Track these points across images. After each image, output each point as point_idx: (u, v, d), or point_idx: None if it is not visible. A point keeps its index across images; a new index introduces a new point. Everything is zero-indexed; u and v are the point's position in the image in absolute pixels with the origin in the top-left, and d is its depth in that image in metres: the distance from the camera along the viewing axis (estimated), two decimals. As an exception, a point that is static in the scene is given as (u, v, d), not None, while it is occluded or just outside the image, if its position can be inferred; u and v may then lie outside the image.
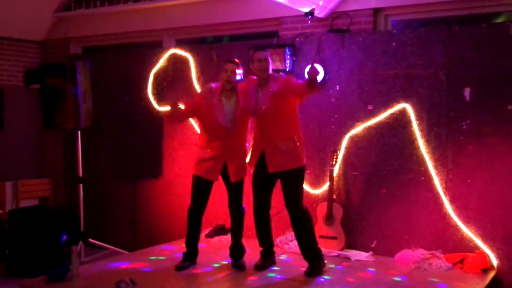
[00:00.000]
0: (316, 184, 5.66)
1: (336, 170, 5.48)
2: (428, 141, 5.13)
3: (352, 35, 5.50)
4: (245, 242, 5.00)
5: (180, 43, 6.90)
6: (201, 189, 4.88)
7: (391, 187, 5.30)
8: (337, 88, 5.51)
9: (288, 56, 5.64)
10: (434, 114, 5.10)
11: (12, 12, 6.88)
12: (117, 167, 6.97)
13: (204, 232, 5.68)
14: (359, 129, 5.43)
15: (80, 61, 6.15)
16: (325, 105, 5.58)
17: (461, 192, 5.00)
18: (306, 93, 4.48)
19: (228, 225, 5.94)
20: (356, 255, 5.24)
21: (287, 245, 5.49)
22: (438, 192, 5.08)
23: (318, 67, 4.81)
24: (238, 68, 4.81)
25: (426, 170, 5.13)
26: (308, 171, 5.47)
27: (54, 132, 7.30)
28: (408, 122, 5.19)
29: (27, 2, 6.93)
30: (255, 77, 4.79)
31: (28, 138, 7.55)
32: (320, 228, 5.39)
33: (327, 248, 5.26)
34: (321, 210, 5.47)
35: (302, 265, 4.77)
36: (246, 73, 5.81)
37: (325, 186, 5.56)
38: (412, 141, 5.19)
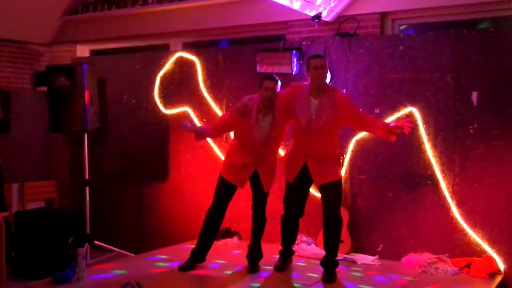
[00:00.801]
0: (322, 187, 5.65)
1: (342, 173, 5.47)
2: (435, 145, 5.13)
3: (359, 39, 5.50)
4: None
5: (187, 47, 6.92)
6: (224, 191, 4.84)
7: (397, 191, 5.29)
8: (344, 92, 5.52)
9: (295, 60, 5.64)
10: (441, 118, 5.10)
11: (19, 15, 6.90)
12: (124, 169, 6.98)
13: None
14: (365, 132, 5.42)
15: (87, 64, 6.17)
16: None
17: (468, 196, 4.99)
18: (378, 135, 4.68)
19: (233, 228, 5.97)
20: (362, 258, 5.23)
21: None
22: (445, 196, 5.07)
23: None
24: (278, 86, 4.65)
25: (433, 174, 5.12)
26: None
27: (61, 134, 7.32)
28: (415, 126, 5.17)
29: (34, 5, 6.96)
30: (305, 83, 4.72)
31: (35, 140, 7.56)
32: (326, 232, 5.39)
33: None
34: (327, 214, 5.46)
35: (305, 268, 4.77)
36: (251, 76, 5.84)
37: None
38: (419, 145, 5.18)
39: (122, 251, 6.28)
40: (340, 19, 5.66)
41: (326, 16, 5.54)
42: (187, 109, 6.45)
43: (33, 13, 7.03)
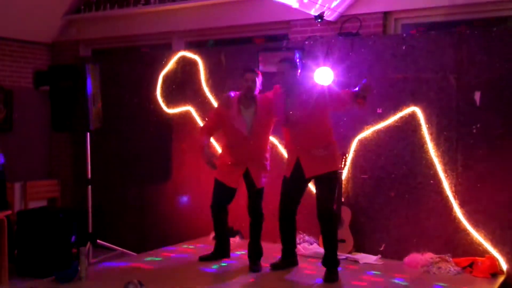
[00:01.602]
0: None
1: (345, 173, 5.48)
2: (437, 145, 5.12)
3: (361, 39, 5.50)
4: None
5: (189, 46, 6.92)
6: (221, 192, 5.01)
7: (400, 190, 5.29)
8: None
9: (298, 59, 5.63)
10: (444, 118, 5.09)
11: (22, 14, 6.91)
12: (126, 169, 6.99)
13: (211, 234, 5.67)
14: (368, 132, 5.42)
15: (90, 63, 6.17)
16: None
17: (470, 196, 4.98)
18: (349, 106, 4.57)
19: (236, 227, 5.96)
20: (365, 258, 5.23)
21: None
22: (447, 196, 5.07)
23: (328, 70, 4.81)
24: (258, 78, 4.85)
25: (435, 174, 5.12)
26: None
27: (63, 133, 7.32)
28: (418, 125, 5.18)
29: (37, 4, 6.97)
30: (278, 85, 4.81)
31: (37, 139, 7.58)
32: (329, 231, 5.39)
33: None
34: (329, 213, 5.46)
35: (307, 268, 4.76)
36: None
37: (334, 189, 5.55)
38: (421, 144, 5.18)
39: (124, 250, 6.28)
40: (343, 18, 5.67)
41: (328, 15, 5.54)
42: (189, 108, 6.45)
43: (36, 12, 7.04)
